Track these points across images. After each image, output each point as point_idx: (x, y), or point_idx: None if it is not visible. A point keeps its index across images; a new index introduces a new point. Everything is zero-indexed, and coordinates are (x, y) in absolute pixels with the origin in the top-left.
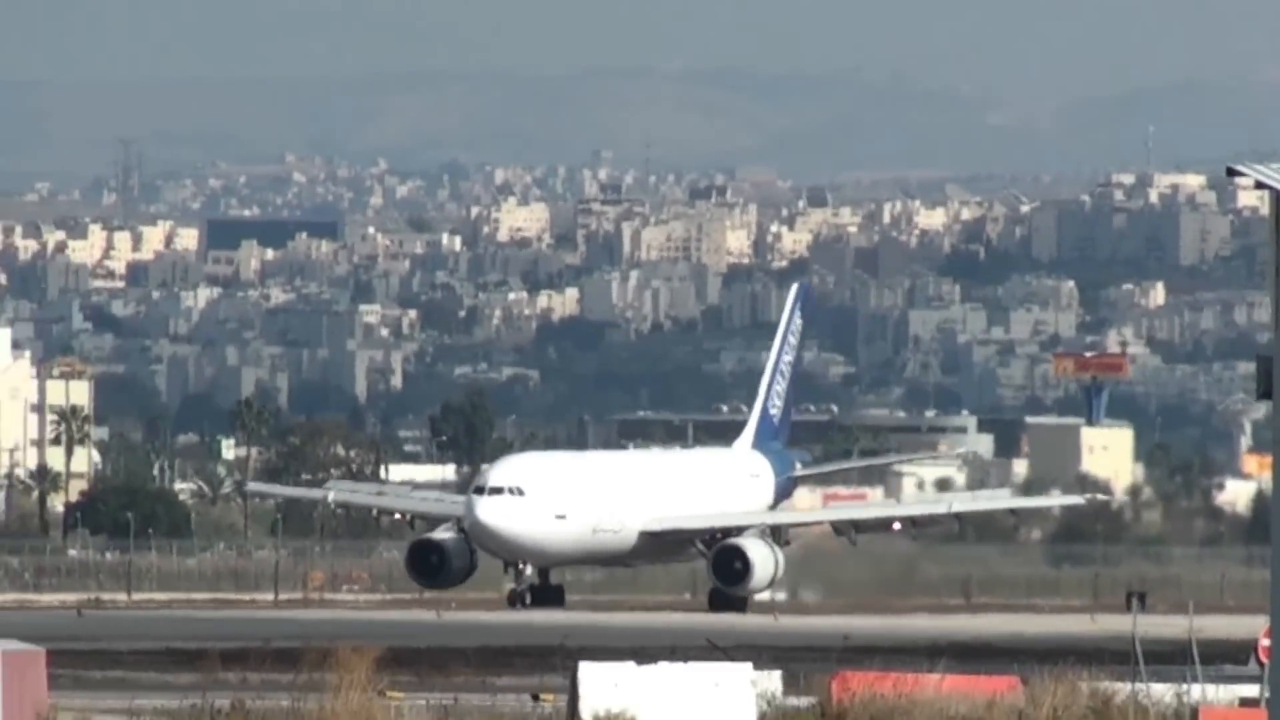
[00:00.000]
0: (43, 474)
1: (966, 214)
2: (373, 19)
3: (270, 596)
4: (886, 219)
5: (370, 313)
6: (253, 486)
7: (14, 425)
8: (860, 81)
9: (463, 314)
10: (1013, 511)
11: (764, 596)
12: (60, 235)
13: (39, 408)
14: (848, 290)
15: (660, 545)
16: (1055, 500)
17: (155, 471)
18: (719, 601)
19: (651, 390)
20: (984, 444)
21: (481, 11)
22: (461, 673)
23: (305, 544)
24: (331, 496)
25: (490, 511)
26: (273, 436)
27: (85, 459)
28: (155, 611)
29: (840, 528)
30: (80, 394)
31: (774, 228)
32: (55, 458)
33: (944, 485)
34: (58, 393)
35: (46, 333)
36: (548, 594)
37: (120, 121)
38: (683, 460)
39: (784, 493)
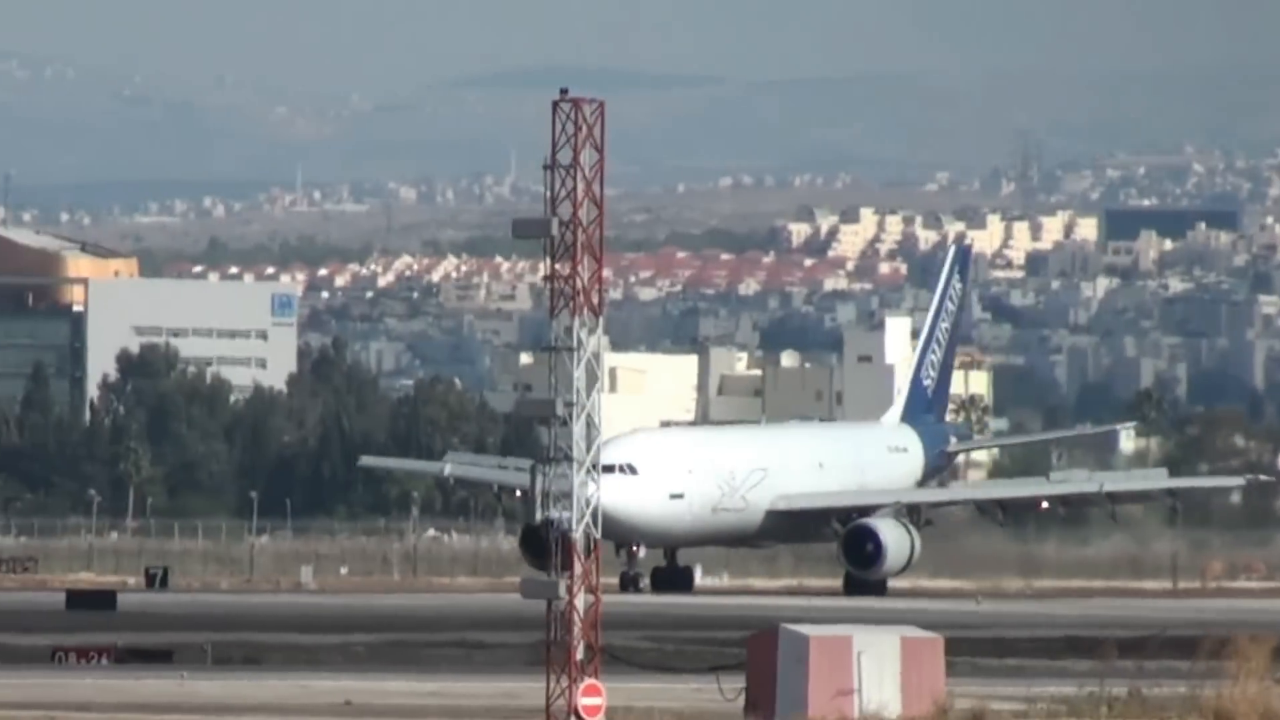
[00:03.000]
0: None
1: None
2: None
3: (1167, 585)
4: None
5: (1269, 303)
6: (365, 460)
7: None
8: None
9: None
10: (1170, 493)
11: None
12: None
13: None
14: None
15: (789, 525)
16: (1213, 480)
17: (1054, 461)
18: (855, 586)
19: None
20: None
21: None
22: None
23: (1204, 534)
24: (448, 470)
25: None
26: (1171, 427)
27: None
28: (1052, 600)
29: (986, 508)
30: (979, 384)
31: None
32: None
33: None
34: (957, 382)
35: None
36: (675, 577)
37: (1019, 112)
38: (818, 435)
39: (935, 468)
